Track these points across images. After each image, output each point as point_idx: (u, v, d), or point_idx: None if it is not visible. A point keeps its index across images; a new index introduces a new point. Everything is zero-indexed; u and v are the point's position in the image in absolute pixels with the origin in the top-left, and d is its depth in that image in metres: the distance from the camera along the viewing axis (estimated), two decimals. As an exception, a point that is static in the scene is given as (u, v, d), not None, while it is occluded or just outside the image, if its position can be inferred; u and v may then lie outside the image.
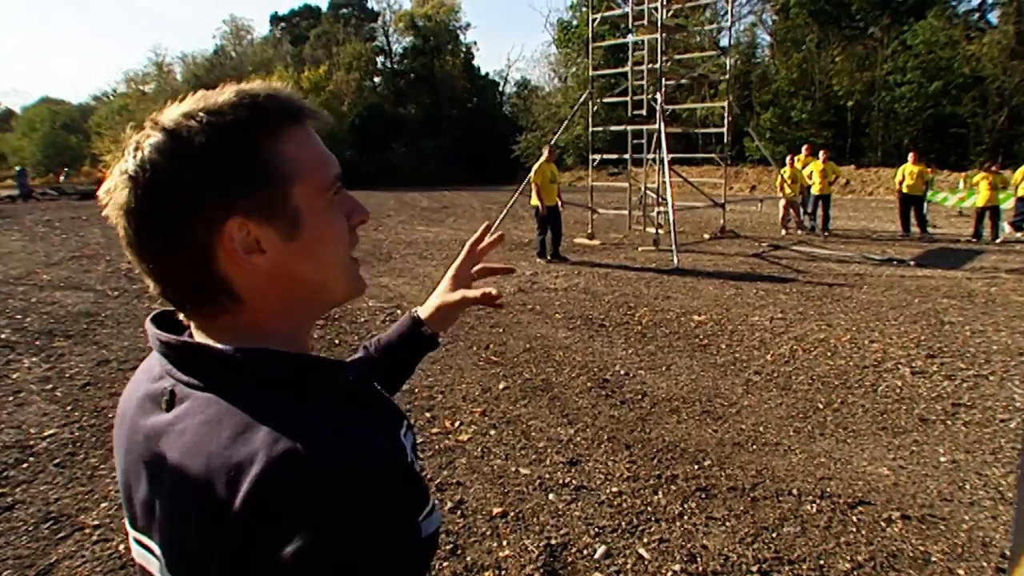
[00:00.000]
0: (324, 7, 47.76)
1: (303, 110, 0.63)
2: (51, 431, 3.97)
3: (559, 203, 10.13)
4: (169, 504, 0.58)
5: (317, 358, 0.61)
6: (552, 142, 11.39)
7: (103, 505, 3.13)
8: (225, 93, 0.60)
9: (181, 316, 0.65)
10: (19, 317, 6.72)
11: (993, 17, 28.11)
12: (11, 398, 4.52)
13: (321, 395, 0.59)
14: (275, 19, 50.62)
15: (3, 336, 6.02)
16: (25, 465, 3.54)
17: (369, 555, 0.51)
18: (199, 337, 0.64)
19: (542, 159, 10.13)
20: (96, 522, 2.98)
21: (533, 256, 10.29)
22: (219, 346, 0.60)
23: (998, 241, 11.52)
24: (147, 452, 0.61)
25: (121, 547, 2.78)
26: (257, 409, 0.55)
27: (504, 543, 2.79)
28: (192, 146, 0.57)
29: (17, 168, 28.96)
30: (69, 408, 4.34)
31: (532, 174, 10.07)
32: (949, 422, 3.98)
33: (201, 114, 0.58)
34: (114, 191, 0.59)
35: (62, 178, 34.13)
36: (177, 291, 0.61)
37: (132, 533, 0.66)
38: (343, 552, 0.50)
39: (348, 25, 44.06)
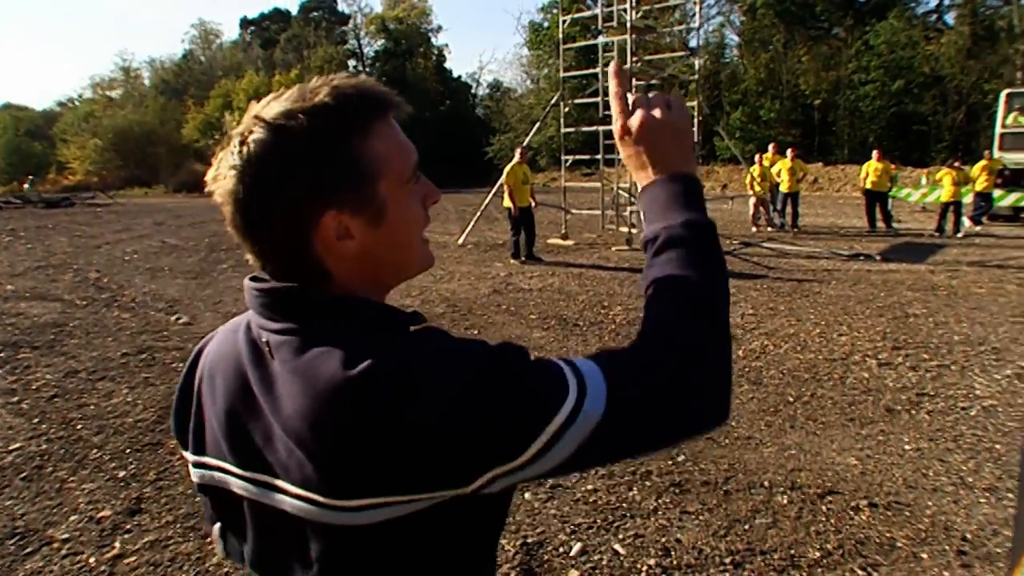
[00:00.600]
0: (294, 10, 47.37)
1: (389, 103, 0.70)
2: (17, 445, 3.88)
3: (532, 204, 10.17)
4: (296, 432, 0.62)
5: (397, 308, 0.71)
6: (524, 143, 11.43)
7: (72, 518, 3.07)
8: (321, 92, 0.66)
9: None
10: (-18, 329, 6.55)
11: (950, 18, 29.00)
12: (-26, 412, 4.41)
13: (404, 334, 0.67)
14: (244, 23, 50.11)
15: (-35, 349, 5.86)
16: (-10, 480, 3.46)
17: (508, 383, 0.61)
18: None
19: (514, 160, 10.17)
20: (65, 535, 2.92)
21: (507, 257, 10.31)
22: (318, 293, 0.68)
23: (959, 235, 11.86)
24: (263, 394, 0.66)
25: (91, 560, 2.73)
26: (359, 341, 0.63)
27: (481, 543, 2.79)
28: (293, 146, 0.63)
29: (-22, 177, 28.12)
30: (36, 420, 4.24)
31: (504, 176, 10.11)
32: (914, 411, 4.09)
33: (300, 115, 0.64)
34: (221, 179, 0.66)
35: (26, 186, 33.15)
36: (276, 268, 0.69)
37: (238, 471, 0.71)
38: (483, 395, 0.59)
39: (319, 28, 43.75)
